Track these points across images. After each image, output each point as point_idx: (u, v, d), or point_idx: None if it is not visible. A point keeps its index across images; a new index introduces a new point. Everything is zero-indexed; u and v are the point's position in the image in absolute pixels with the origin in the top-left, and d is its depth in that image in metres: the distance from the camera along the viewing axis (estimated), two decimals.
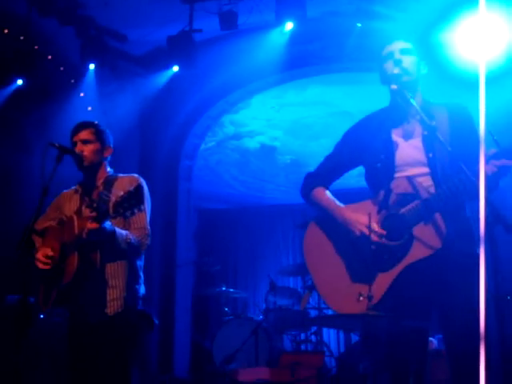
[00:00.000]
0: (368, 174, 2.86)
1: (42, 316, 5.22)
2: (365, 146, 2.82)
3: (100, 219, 2.91)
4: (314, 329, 6.69)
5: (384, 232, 2.58)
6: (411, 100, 2.58)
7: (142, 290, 3.30)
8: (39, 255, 3.15)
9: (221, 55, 7.12)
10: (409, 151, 2.69)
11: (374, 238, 2.58)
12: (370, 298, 2.34)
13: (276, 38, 6.68)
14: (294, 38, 6.64)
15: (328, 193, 2.91)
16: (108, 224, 2.98)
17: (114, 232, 3.02)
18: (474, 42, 5.43)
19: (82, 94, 6.93)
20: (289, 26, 6.36)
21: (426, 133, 2.66)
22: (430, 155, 2.63)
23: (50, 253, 3.15)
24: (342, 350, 7.82)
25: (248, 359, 6.27)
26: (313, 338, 6.71)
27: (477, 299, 2.55)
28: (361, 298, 2.39)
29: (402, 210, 2.57)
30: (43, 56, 6.54)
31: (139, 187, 2.83)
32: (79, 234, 3.00)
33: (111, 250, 3.07)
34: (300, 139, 9.06)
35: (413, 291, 2.54)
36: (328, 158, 2.99)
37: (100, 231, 2.93)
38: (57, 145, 3.07)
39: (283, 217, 10.17)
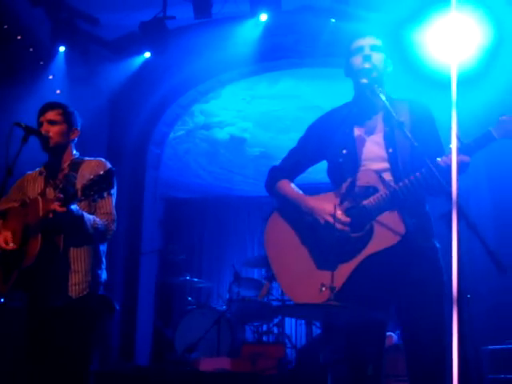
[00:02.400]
0: (330, 168, 2.87)
1: (1, 301, 5.14)
2: (327, 141, 2.84)
3: (67, 202, 2.86)
4: (276, 320, 6.74)
5: (348, 219, 2.61)
6: (380, 95, 2.61)
7: (104, 275, 3.27)
8: None
9: (193, 44, 7.08)
10: (370, 147, 2.73)
11: (338, 226, 2.60)
12: (332, 288, 2.37)
13: (250, 30, 6.67)
14: (268, 30, 6.65)
15: (292, 184, 2.92)
16: (75, 207, 2.94)
17: (81, 216, 2.98)
18: (446, 43, 5.50)
19: (50, 77, 6.82)
20: (263, 17, 6.36)
21: (387, 129, 2.71)
22: (390, 150, 2.68)
23: (10, 236, 3.10)
24: (304, 342, 7.90)
25: (210, 349, 6.29)
26: (275, 329, 6.77)
27: (435, 294, 2.64)
28: (323, 289, 2.41)
29: (364, 202, 2.61)
30: (12, 36, 6.42)
31: (110, 171, 2.78)
32: (44, 215, 2.94)
33: (76, 234, 3.03)
34: (270, 132, 9.08)
35: (372, 283, 2.58)
36: (292, 152, 3.00)
37: (67, 214, 2.89)
38: (23, 125, 3.02)
39: (250, 208, 10.20)
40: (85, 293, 3.11)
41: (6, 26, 6.28)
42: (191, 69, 7.36)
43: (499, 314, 5.55)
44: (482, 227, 2.55)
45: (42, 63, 6.78)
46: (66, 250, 3.09)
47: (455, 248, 1.81)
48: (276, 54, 7.19)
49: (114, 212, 3.23)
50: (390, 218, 2.55)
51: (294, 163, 2.98)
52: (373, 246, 2.55)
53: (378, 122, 2.77)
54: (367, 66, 2.74)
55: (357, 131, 2.78)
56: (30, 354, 3.10)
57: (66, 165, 3.26)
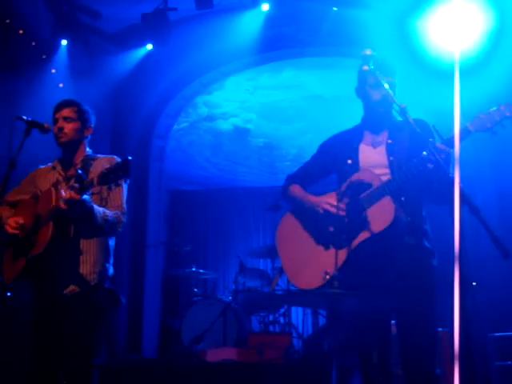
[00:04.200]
0: (338, 178, 3.11)
1: (8, 294, 5.17)
2: (336, 155, 3.11)
3: (83, 190, 2.89)
4: (282, 310, 6.75)
5: (344, 206, 2.86)
6: (398, 117, 2.89)
7: (111, 270, 3.30)
8: (10, 220, 3.15)
9: (195, 35, 7.06)
10: (373, 155, 3.00)
11: (334, 210, 2.85)
12: (335, 277, 2.43)
13: (251, 20, 6.66)
14: (270, 20, 6.63)
15: (301, 188, 3.19)
16: (87, 197, 2.97)
17: (91, 207, 3.01)
18: (449, 31, 5.47)
19: (53, 71, 6.83)
20: (264, 7, 6.34)
21: (390, 141, 2.98)
22: (391, 158, 2.92)
23: (21, 221, 3.14)
24: (310, 332, 7.91)
25: (216, 340, 6.31)
26: (281, 319, 6.78)
27: (424, 281, 2.78)
28: (327, 277, 2.54)
29: (361, 196, 2.84)
30: (15, 30, 6.42)
31: (127, 160, 2.80)
32: (56, 205, 2.97)
33: (87, 225, 3.06)
34: (273, 122, 9.07)
35: (366, 267, 2.80)
36: (305, 164, 3.30)
37: (79, 204, 2.91)
38: (25, 118, 3.06)
39: (255, 199, 10.19)
40: (92, 284, 3.15)
41: (8, 21, 6.28)
42: (193, 60, 7.34)
43: (505, 301, 5.54)
44: (487, 214, 2.56)
45: (44, 57, 6.78)
46: (76, 241, 3.13)
47: (457, 230, 1.81)
48: (278, 44, 7.16)
49: (125, 205, 3.28)
50: (381, 206, 2.78)
51: (306, 173, 3.27)
52: (365, 233, 2.78)
53: (384, 136, 3.02)
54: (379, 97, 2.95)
55: (363, 145, 3.05)
56: (36, 344, 3.13)
57: (78, 161, 3.33)
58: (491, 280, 5.50)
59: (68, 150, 3.35)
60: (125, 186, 3.32)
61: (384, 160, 2.94)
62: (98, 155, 3.38)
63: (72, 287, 3.11)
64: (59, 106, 3.33)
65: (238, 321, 6.41)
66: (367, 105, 3.06)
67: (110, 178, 2.80)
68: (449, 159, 2.63)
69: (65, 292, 3.10)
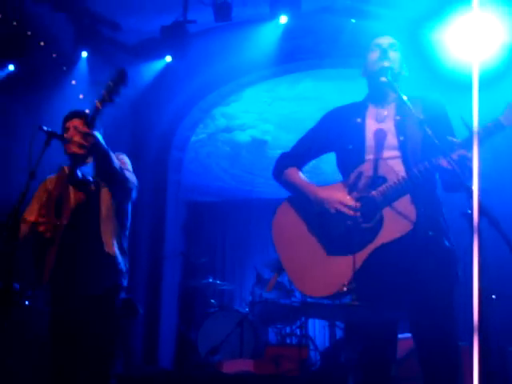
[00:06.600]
0: (339, 157, 2.86)
1: (27, 302, 5.20)
2: (338, 130, 2.84)
3: (91, 121, 2.91)
4: (299, 322, 6.72)
5: (359, 205, 2.57)
6: (400, 93, 2.60)
7: (128, 265, 3.32)
8: (40, 228, 3.14)
9: (214, 47, 7.11)
10: (380, 134, 2.70)
11: (349, 212, 2.58)
12: (352, 288, 2.34)
13: (270, 32, 6.68)
14: (288, 32, 6.65)
15: (300, 173, 2.91)
16: (99, 135, 3.00)
17: (107, 147, 3.03)
18: (466, 42, 5.44)
19: (73, 82, 6.90)
20: (283, 19, 6.36)
21: (398, 117, 2.71)
22: (401, 138, 2.65)
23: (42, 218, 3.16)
24: (327, 344, 7.86)
25: (233, 351, 6.29)
26: (298, 331, 6.74)
27: (447, 291, 2.54)
28: (344, 289, 2.38)
29: (373, 193, 2.57)
30: (36, 42, 6.50)
31: (122, 69, 2.94)
32: (71, 167, 3.06)
33: (105, 169, 3.08)
34: (291, 134, 9.05)
35: (383, 275, 2.54)
36: (302, 140, 3.01)
37: (93, 138, 2.93)
38: (45, 129, 3.08)
39: (272, 210, 10.14)
40: (114, 283, 3.18)
41: (29, 33, 6.35)
42: (212, 72, 7.38)
43: None
44: (507, 226, 2.52)
45: (64, 68, 6.86)
46: (97, 211, 3.16)
47: (476, 245, 1.78)
48: (296, 56, 7.18)
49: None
50: (399, 209, 2.52)
51: (304, 151, 2.98)
52: (382, 237, 2.51)
53: (390, 110, 2.76)
54: (386, 64, 2.73)
55: (368, 120, 2.77)
56: (53, 354, 3.13)
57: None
58: (511, 293, 5.43)
59: (76, 159, 3.31)
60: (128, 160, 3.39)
61: (393, 140, 2.67)
62: None
63: (95, 287, 3.12)
64: (70, 116, 3.34)
65: (254, 332, 6.39)
66: (373, 78, 2.78)
67: (111, 91, 2.88)
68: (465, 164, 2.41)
69: (94, 291, 3.10)
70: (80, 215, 3.08)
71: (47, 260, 3.13)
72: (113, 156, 3.09)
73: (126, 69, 2.92)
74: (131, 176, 3.24)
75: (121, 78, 2.89)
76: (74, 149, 3.10)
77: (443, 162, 2.42)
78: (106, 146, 3.04)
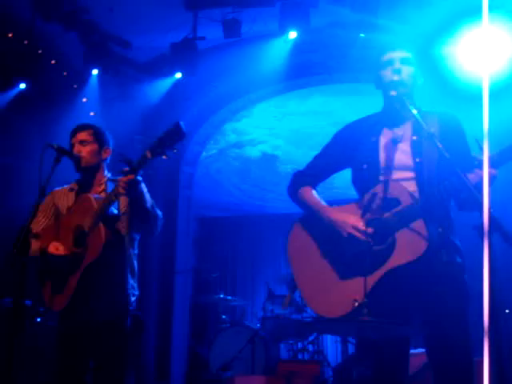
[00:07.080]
0: (354, 176, 2.85)
1: (38, 319, 5.20)
2: (353, 148, 2.82)
3: (137, 168, 2.84)
4: (311, 338, 6.68)
5: (371, 230, 2.53)
6: (410, 107, 2.57)
7: (136, 283, 3.28)
8: (50, 248, 3.10)
9: (224, 63, 7.14)
10: (396, 155, 2.68)
11: (361, 237, 2.55)
12: (365, 304, 2.32)
13: (279, 47, 6.70)
14: (297, 47, 6.67)
15: (314, 192, 2.90)
16: (141, 178, 2.94)
17: (143, 189, 3.00)
18: (477, 55, 5.44)
19: (84, 100, 6.95)
20: (292, 35, 6.38)
21: (415, 138, 2.67)
22: (417, 160, 2.63)
23: (59, 244, 3.11)
24: (340, 360, 7.80)
25: (244, 367, 6.26)
26: (310, 347, 6.70)
27: (460, 310, 2.52)
28: (355, 304, 2.36)
29: (386, 214, 2.55)
30: (47, 60, 6.57)
31: (178, 123, 2.77)
32: (104, 203, 2.98)
33: (137, 210, 3.05)
34: (301, 148, 9.07)
35: (393, 297, 2.54)
36: (316, 158, 2.98)
37: (136, 183, 2.88)
38: (55, 146, 3.06)
39: (283, 226, 10.08)
40: (125, 307, 3.15)
41: (40, 51, 6.42)
42: (222, 88, 7.41)
43: None
44: None
45: (75, 86, 6.92)
46: (121, 269, 3.14)
47: (486, 260, 1.76)
48: (306, 71, 7.19)
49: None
50: (413, 232, 2.49)
51: (318, 169, 2.96)
52: (395, 260, 2.49)
53: (407, 130, 2.73)
54: (396, 78, 2.72)
55: (383, 139, 2.75)
56: (62, 373, 3.10)
57: (99, 184, 3.30)
58: None
59: (87, 174, 3.30)
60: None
61: (409, 161, 2.64)
62: (118, 177, 3.35)
63: (110, 312, 3.09)
64: (74, 131, 3.30)
65: (266, 348, 6.36)
66: (385, 92, 2.76)
67: (165, 144, 2.74)
68: (491, 182, 2.37)
69: (104, 318, 3.07)
70: (107, 251, 3.00)
71: (66, 287, 3.09)
72: (147, 196, 3.07)
73: (182, 123, 2.75)
74: (159, 212, 3.19)
75: (176, 132, 2.76)
76: (121, 189, 2.93)
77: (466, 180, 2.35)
78: (143, 189, 3.02)
